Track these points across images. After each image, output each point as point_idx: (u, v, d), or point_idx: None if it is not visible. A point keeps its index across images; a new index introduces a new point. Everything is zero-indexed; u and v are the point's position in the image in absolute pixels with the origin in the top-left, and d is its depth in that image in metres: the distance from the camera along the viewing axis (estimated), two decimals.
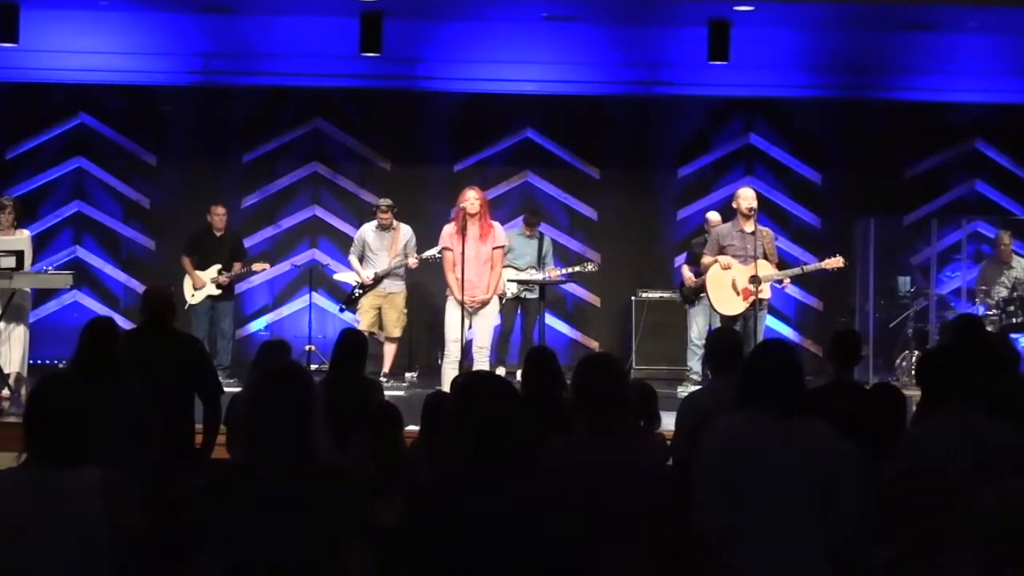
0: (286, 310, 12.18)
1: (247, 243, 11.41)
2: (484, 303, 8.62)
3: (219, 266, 10.70)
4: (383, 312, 10.32)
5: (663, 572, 3.98)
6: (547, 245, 10.92)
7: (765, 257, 8.84)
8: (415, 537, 3.14)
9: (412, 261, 10.16)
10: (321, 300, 11.72)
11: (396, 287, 10.36)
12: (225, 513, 3.07)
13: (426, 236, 10.08)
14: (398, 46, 9.82)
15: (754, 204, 8.89)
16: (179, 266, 10.79)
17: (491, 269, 8.62)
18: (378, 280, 10.29)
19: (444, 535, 3.09)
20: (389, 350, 10.44)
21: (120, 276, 12.21)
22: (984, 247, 11.83)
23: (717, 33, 9.45)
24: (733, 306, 8.90)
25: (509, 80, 11.58)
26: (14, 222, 9.32)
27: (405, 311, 10.45)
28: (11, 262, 8.87)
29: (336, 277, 11.09)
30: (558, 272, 10.48)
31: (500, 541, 3.07)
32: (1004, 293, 10.29)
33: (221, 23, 10.02)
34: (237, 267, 10.75)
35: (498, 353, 10.84)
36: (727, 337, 5.67)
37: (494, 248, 8.63)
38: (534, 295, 10.33)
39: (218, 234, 10.82)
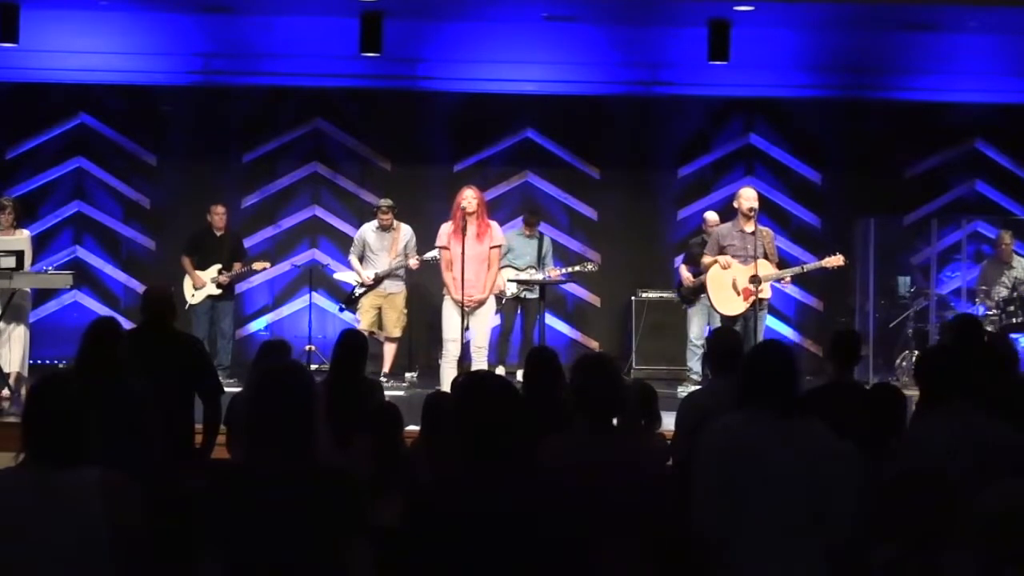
0: (286, 310, 12.18)
1: (247, 243, 11.41)
2: (481, 303, 8.62)
3: (219, 266, 10.70)
4: (383, 312, 10.32)
5: (663, 572, 3.98)
6: (547, 245, 10.92)
7: (765, 257, 8.83)
8: (415, 537, 3.14)
9: (413, 262, 10.17)
10: (321, 300, 11.72)
11: (396, 287, 10.36)
12: (225, 513, 3.07)
13: (426, 236, 10.08)
14: (398, 46, 9.82)
15: (755, 205, 8.88)
16: (179, 266, 10.79)
17: (488, 268, 8.63)
18: (378, 280, 10.30)
19: (444, 535, 3.09)
20: (389, 350, 10.44)
21: (120, 276, 12.21)
22: (984, 247, 11.83)
23: (717, 33, 9.45)
24: (733, 306, 8.90)
25: (509, 80, 11.58)
26: (14, 222, 9.33)
27: (405, 311, 10.45)
28: (11, 262, 8.87)
29: (336, 277, 11.09)
30: (558, 272, 10.48)
31: (500, 541, 3.07)
32: (1004, 293, 10.29)
33: (221, 23, 10.01)
34: (237, 267, 10.75)
35: (498, 353, 10.86)
36: (727, 337, 5.66)
37: (491, 247, 8.65)
38: (534, 295, 10.34)
39: (218, 234, 10.82)
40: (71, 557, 3.08)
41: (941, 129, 12.25)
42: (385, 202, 10.39)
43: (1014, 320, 9.98)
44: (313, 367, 10.07)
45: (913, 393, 4.72)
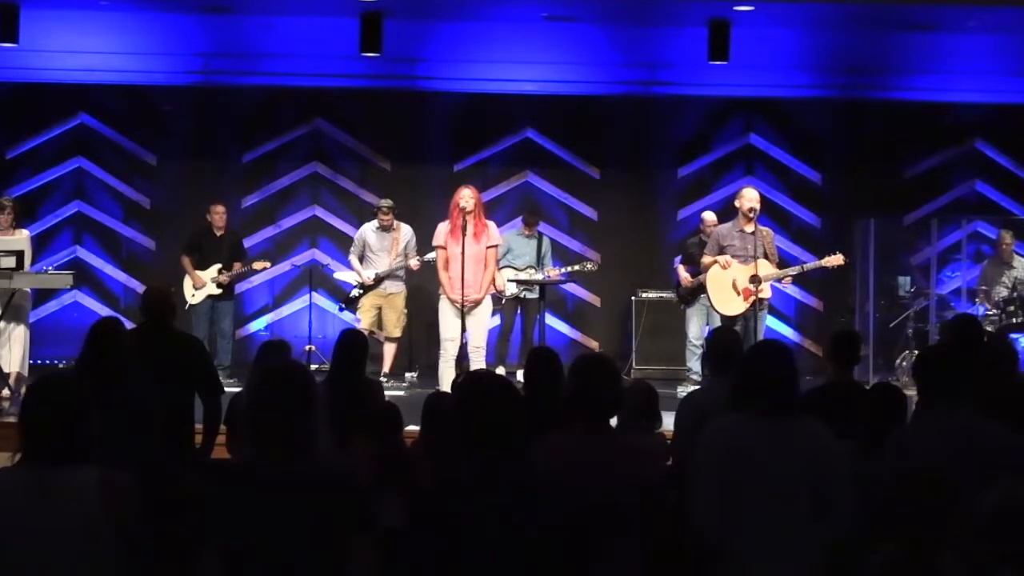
0: (286, 310, 12.18)
1: (247, 243, 11.41)
2: (476, 302, 8.62)
3: (219, 265, 10.69)
4: (383, 312, 10.33)
5: (662, 572, 3.98)
6: (546, 245, 10.92)
7: (765, 257, 8.83)
8: (415, 537, 3.14)
9: (414, 263, 10.18)
10: (321, 300, 11.72)
11: (396, 288, 10.37)
12: (226, 513, 3.07)
13: (426, 236, 10.05)
14: (398, 46, 9.82)
15: (755, 205, 8.82)
16: (179, 266, 10.79)
17: (484, 268, 8.64)
18: (378, 281, 10.30)
19: (444, 535, 3.09)
20: (389, 350, 10.44)
21: (120, 276, 12.21)
22: (984, 247, 11.83)
23: (717, 33, 9.44)
24: (734, 306, 8.89)
25: (509, 80, 11.57)
26: (13, 222, 9.33)
27: (405, 311, 10.45)
28: (11, 262, 8.87)
29: (336, 276, 11.09)
30: (557, 272, 10.48)
31: (500, 540, 3.07)
32: (1004, 293, 10.29)
33: (221, 23, 10.01)
34: (237, 267, 10.75)
35: (498, 353, 10.86)
36: (726, 337, 5.66)
37: (488, 247, 8.65)
38: (534, 295, 10.34)
39: (218, 233, 10.82)
40: (68, 556, 3.07)
41: (941, 129, 12.25)
42: (386, 202, 10.39)
43: (1014, 320, 9.97)
44: (313, 367, 10.07)
45: (913, 393, 4.72)
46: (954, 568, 3.17)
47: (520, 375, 5.90)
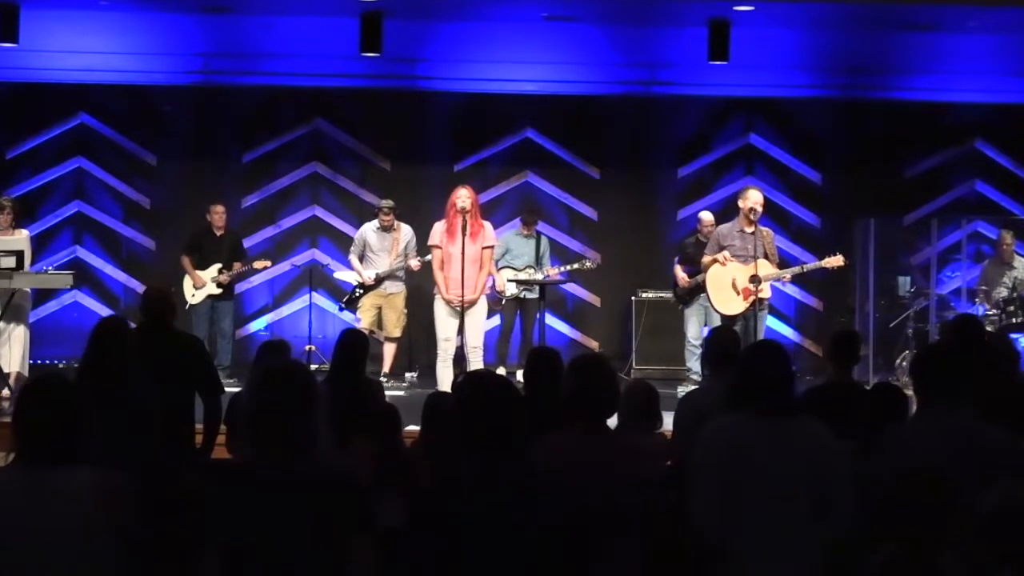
0: (286, 310, 12.18)
1: (247, 243, 11.41)
2: (472, 302, 8.62)
3: (219, 265, 10.70)
4: (383, 312, 10.33)
5: (662, 572, 3.98)
6: (544, 245, 10.92)
7: (766, 257, 8.83)
8: (415, 537, 3.15)
9: (414, 264, 10.18)
10: (321, 300, 11.72)
11: (396, 288, 10.37)
12: (226, 513, 3.07)
13: (426, 237, 10.06)
14: (398, 46, 9.82)
15: (758, 208, 8.78)
16: (179, 266, 10.80)
17: (480, 268, 8.64)
18: (379, 281, 10.31)
19: (444, 535, 3.09)
20: (389, 350, 10.45)
21: (120, 276, 12.21)
22: (984, 247, 11.83)
23: (717, 33, 9.44)
24: (733, 306, 8.89)
25: (509, 80, 11.57)
26: (13, 222, 9.33)
27: (405, 311, 10.46)
28: (11, 262, 8.88)
29: (336, 276, 11.10)
30: (556, 271, 10.48)
31: (500, 541, 3.07)
32: (1005, 293, 10.29)
33: (221, 23, 10.01)
34: (237, 266, 10.76)
35: (498, 353, 10.86)
36: (725, 337, 5.66)
37: (484, 248, 8.66)
38: (534, 295, 10.34)
39: (218, 233, 10.82)
40: (67, 556, 3.06)
41: (941, 129, 12.25)
42: (386, 203, 10.40)
43: (1014, 320, 9.97)
44: (313, 367, 10.07)
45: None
46: (954, 568, 3.17)
47: (520, 375, 5.90)
